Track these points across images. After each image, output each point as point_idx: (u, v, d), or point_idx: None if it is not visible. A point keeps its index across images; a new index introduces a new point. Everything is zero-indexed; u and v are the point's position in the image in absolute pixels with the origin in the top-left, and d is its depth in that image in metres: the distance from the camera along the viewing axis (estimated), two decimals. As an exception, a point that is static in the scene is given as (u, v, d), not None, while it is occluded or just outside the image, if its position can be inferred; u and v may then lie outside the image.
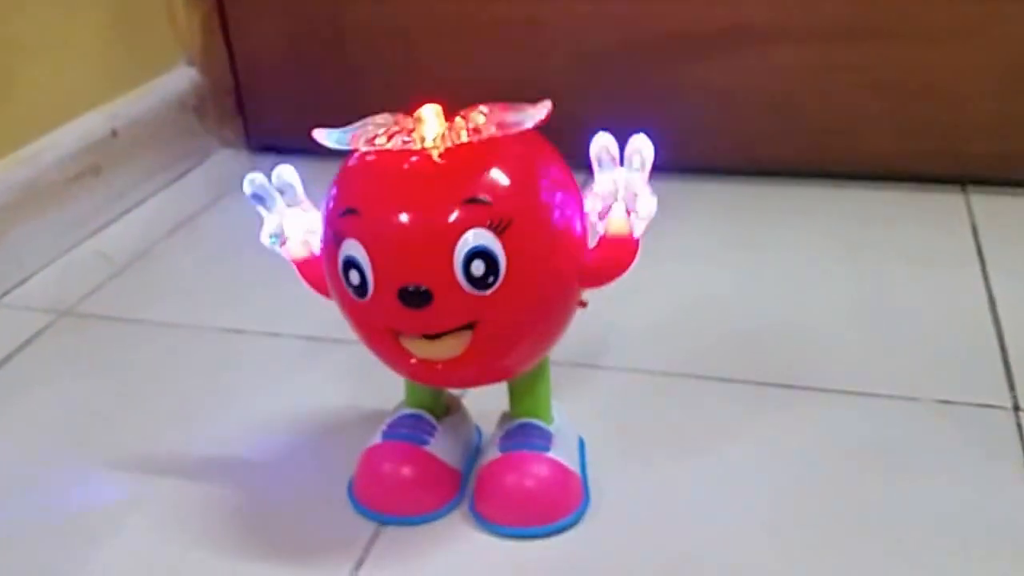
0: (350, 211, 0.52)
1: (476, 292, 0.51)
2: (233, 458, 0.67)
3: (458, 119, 0.53)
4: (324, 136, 0.54)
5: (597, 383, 0.73)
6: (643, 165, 0.53)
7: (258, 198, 0.58)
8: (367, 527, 0.60)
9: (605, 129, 0.53)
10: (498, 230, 0.50)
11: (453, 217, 0.50)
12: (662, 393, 0.72)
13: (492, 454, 0.61)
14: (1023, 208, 0.96)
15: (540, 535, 0.59)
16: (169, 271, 0.93)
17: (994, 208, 0.95)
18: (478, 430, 0.67)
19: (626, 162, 0.53)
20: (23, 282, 0.90)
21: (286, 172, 0.58)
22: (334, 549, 0.59)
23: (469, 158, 0.52)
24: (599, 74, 1.02)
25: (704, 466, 0.64)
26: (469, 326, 0.52)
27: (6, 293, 0.88)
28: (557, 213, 0.53)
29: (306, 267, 0.59)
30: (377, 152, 0.53)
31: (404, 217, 0.50)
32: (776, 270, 0.88)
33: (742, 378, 0.73)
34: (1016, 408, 0.68)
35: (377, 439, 0.62)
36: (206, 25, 1.12)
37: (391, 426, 0.62)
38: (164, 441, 0.69)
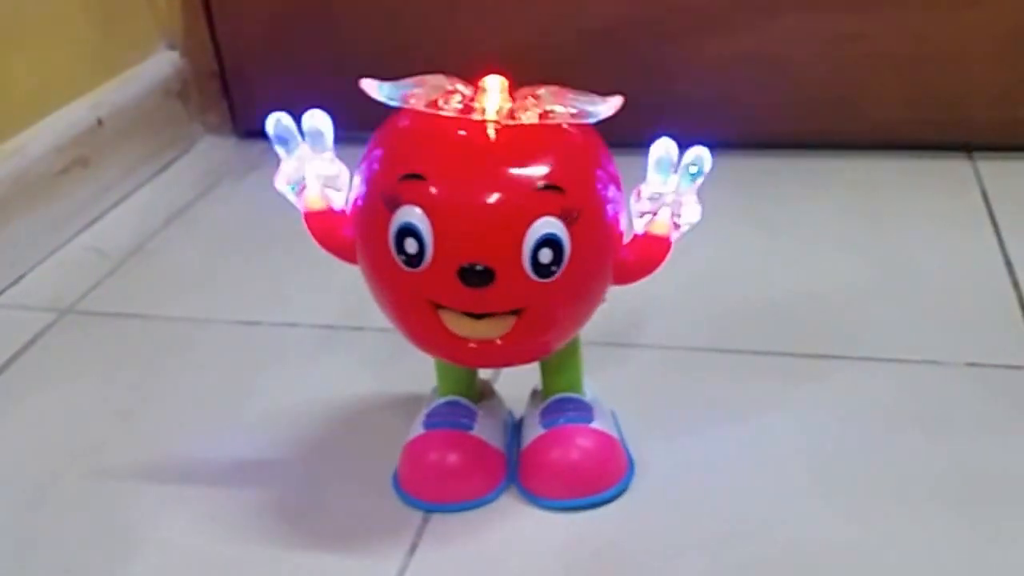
0: (414, 176, 0.50)
1: (537, 279, 0.50)
2: (263, 451, 0.66)
3: (528, 99, 0.52)
4: (374, 88, 0.52)
5: (627, 361, 0.73)
6: (698, 175, 0.54)
7: (281, 140, 0.54)
8: (415, 512, 0.60)
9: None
10: (568, 220, 0.50)
11: (529, 202, 0.50)
12: (694, 368, 0.72)
13: (535, 431, 0.61)
14: (1031, 172, 0.98)
15: (590, 506, 0.59)
16: (168, 264, 0.91)
17: (1002, 173, 0.96)
18: (510, 413, 0.66)
19: (681, 170, 0.53)
20: (17, 281, 0.87)
21: (317, 117, 0.54)
22: (384, 535, 0.58)
23: (543, 142, 0.51)
24: (600, 49, 1.01)
25: (742, 437, 0.65)
26: (516, 311, 0.52)
27: (1, 292, 0.86)
28: (611, 208, 0.53)
29: (318, 220, 0.56)
30: (438, 117, 0.51)
31: (479, 194, 0.49)
32: (792, 242, 0.88)
33: (772, 350, 0.73)
34: (1044, 369, 0.70)
35: (419, 430, 0.61)
36: (187, 6, 1.09)
37: (431, 415, 0.61)
38: (189, 437, 0.68)
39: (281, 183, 0.55)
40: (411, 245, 0.50)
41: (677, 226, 0.55)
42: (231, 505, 0.61)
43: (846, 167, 1.00)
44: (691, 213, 0.54)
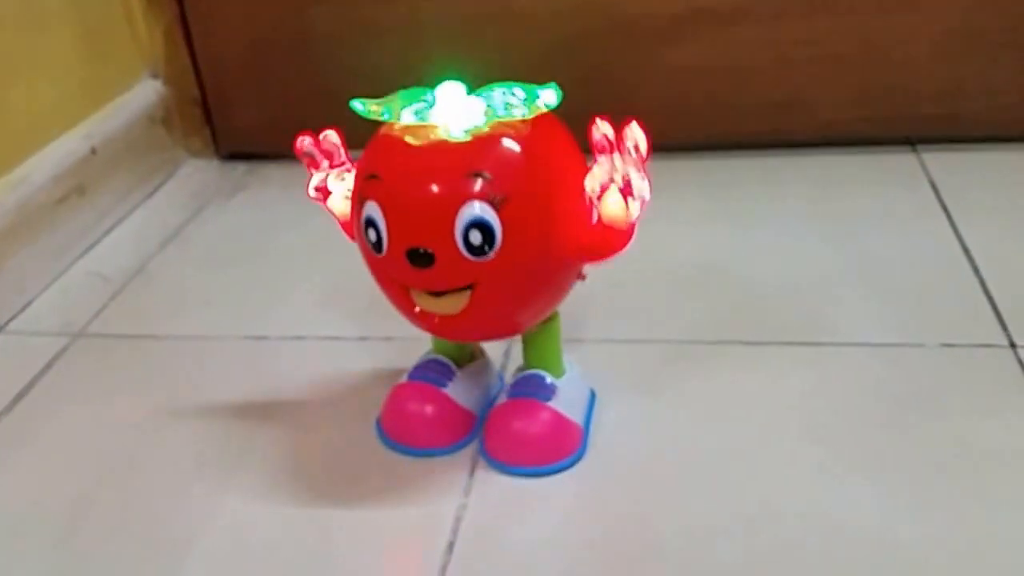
0: (373, 176, 0.55)
1: (473, 258, 0.54)
2: (288, 455, 0.65)
3: (475, 99, 0.56)
4: (358, 106, 0.57)
5: (617, 355, 0.73)
6: (638, 151, 0.53)
7: (307, 155, 0.61)
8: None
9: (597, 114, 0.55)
10: (496, 204, 0.53)
11: (455, 189, 0.53)
12: (680, 359, 0.72)
13: (501, 399, 0.64)
14: (974, 162, 0.99)
15: (537, 475, 0.62)
16: (170, 285, 0.88)
17: (947, 164, 0.98)
18: (501, 378, 0.69)
19: (623, 149, 0.54)
20: (25, 308, 0.85)
21: (331, 136, 0.61)
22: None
23: (478, 136, 0.55)
24: (567, 61, 1.01)
25: (726, 422, 0.66)
26: (469, 287, 0.55)
27: (11, 320, 0.83)
28: (557, 192, 0.56)
29: (346, 222, 0.62)
30: (404, 126, 0.56)
31: (415, 186, 0.54)
32: (755, 238, 0.88)
33: (758, 340, 0.74)
34: (1012, 345, 0.71)
35: (403, 379, 0.65)
36: (168, 36, 1.07)
37: (415, 368, 0.65)
38: (217, 449, 0.66)
39: (310, 191, 0.62)
40: (372, 235, 0.55)
41: (629, 198, 0.54)
42: (278, 496, 0.62)
43: (800, 164, 1.01)
44: (639, 188, 0.54)
